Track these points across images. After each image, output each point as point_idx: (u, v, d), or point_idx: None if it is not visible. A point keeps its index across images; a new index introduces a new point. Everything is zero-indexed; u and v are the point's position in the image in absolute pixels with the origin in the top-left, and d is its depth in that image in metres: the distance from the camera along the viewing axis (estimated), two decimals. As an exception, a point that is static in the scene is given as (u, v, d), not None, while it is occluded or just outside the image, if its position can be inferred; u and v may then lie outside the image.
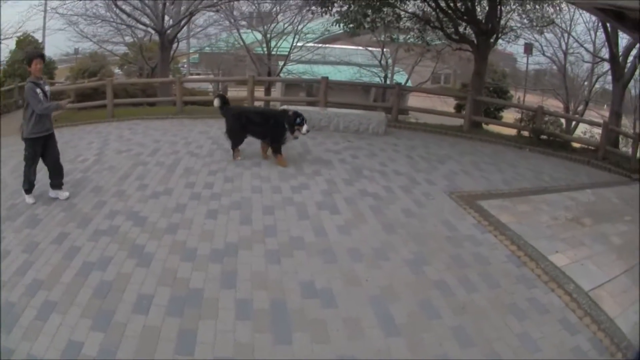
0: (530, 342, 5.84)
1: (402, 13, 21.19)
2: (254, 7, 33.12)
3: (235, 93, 36.56)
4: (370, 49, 38.18)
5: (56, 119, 18.96)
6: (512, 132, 22.13)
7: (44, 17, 32.93)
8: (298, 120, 11.47)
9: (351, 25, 19.78)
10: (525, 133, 19.70)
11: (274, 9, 33.15)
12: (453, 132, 18.68)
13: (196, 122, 17.82)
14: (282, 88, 39.61)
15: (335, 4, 19.55)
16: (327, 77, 20.20)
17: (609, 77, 26.22)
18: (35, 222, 8.52)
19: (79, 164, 12.14)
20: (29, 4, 39.09)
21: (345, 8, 19.32)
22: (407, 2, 20.54)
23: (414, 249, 7.79)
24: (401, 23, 21.96)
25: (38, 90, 8.96)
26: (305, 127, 11.52)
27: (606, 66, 29.41)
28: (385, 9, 19.94)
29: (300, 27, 35.34)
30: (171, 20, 26.39)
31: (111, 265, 7.01)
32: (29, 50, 9.03)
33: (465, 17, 20.28)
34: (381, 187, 10.62)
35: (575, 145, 20.14)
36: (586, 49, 32.84)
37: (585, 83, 36.05)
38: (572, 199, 11.27)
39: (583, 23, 31.91)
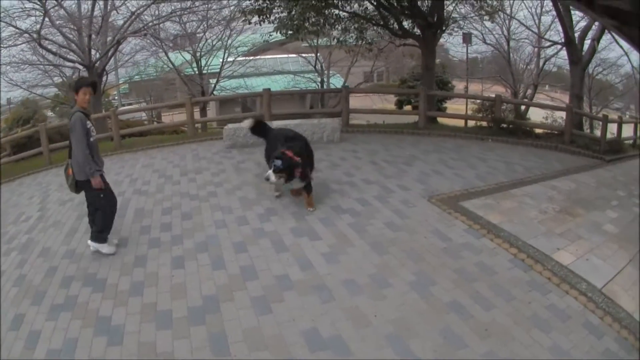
0: (563, 354, 5.60)
1: (343, 14, 20.73)
2: (180, 28, 32.45)
3: (170, 117, 36.31)
4: (303, 55, 38.37)
5: (-8, 177, 18.32)
6: (461, 123, 22.84)
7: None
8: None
9: (290, 32, 19.42)
10: (483, 123, 19.23)
11: (201, 26, 32.71)
12: (409, 130, 18.40)
13: (137, 155, 17.07)
14: (216, 106, 40.25)
15: (274, 11, 19.03)
16: (269, 89, 19.64)
17: (558, 60, 26.73)
18: None
19: (22, 224, 11.44)
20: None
21: (284, 14, 18.93)
22: (349, 2, 20.15)
23: (413, 268, 7.24)
24: (341, 24, 21.53)
25: (88, 123, 7.93)
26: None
27: (551, 50, 31.67)
28: (326, 11, 19.51)
29: (229, 41, 35.53)
30: (98, 53, 25.80)
31: (79, 349, 6.15)
32: (78, 79, 8.09)
33: (408, 12, 19.88)
34: (354, 201, 10.02)
35: (539, 131, 19.99)
36: (536, 33, 34.03)
37: (529, 67, 36.89)
38: (553, 188, 11.16)
39: (526, 9, 32.77)
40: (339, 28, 22.07)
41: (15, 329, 6.83)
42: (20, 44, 25.46)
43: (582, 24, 24.27)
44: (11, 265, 9.11)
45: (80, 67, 26.86)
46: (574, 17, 22.39)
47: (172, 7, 26.71)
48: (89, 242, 8.48)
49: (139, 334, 6.28)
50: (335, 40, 24.67)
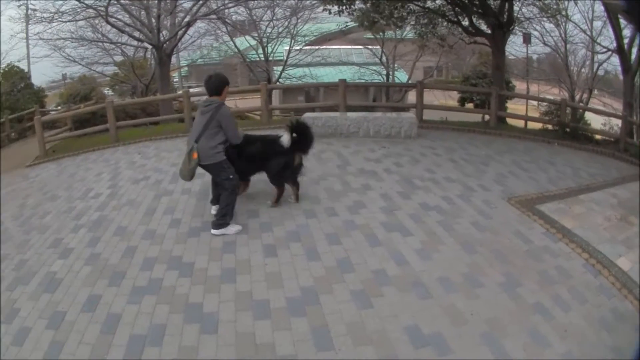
0: (625, 354, 5.64)
1: (417, 8, 20.79)
2: (247, 13, 32.38)
3: (233, 103, 36.28)
4: (369, 47, 38.15)
5: (54, 150, 18.59)
6: (521, 123, 22.37)
7: (27, 45, 32.59)
8: None
9: (366, 24, 19.48)
10: (548, 126, 19.44)
11: (267, 13, 32.54)
12: (480, 129, 18.41)
13: None
14: (280, 95, 39.62)
15: (355, 2, 19.05)
16: (344, 80, 19.65)
17: (608, 66, 26.52)
18: (54, 284, 7.57)
19: (92, 201, 11.35)
20: (8, 33, 38.86)
21: (366, 5, 18.95)
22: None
23: (501, 269, 7.30)
24: (418, 19, 21.59)
25: None
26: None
27: (603, 55, 30.95)
28: (405, 5, 19.57)
29: (296, 29, 35.10)
30: (167, 34, 25.73)
31: (168, 336, 6.02)
32: (219, 76, 8.65)
33: (481, 10, 19.90)
34: (440, 198, 9.97)
35: (597, 137, 19.89)
36: (591, 37, 33.18)
37: (583, 70, 36.41)
38: (614, 196, 11.14)
39: (579, 13, 32.33)
40: (412, 22, 22.10)
41: (89, 310, 6.67)
42: (80, 20, 25.63)
43: (627, 32, 23.38)
44: (81, 242, 8.98)
45: (149, 46, 27.05)
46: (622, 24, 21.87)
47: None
48: (213, 231, 8.56)
49: (235, 323, 6.16)
50: (415, 34, 24.69)
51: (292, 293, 6.66)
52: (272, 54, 35.81)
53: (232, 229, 8.60)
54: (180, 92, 26.60)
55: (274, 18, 32.84)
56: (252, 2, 26.92)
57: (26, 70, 34.12)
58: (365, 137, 15.39)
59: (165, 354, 5.68)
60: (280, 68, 36.93)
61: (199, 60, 42.19)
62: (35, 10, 24.88)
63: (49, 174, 15.65)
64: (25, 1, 25.63)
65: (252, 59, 36.98)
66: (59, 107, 34.17)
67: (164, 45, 25.17)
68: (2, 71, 31.83)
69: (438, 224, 8.71)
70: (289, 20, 33.38)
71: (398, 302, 6.41)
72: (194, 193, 10.82)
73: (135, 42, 27.78)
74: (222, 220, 8.60)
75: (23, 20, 27.58)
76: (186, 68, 47.47)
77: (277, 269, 7.30)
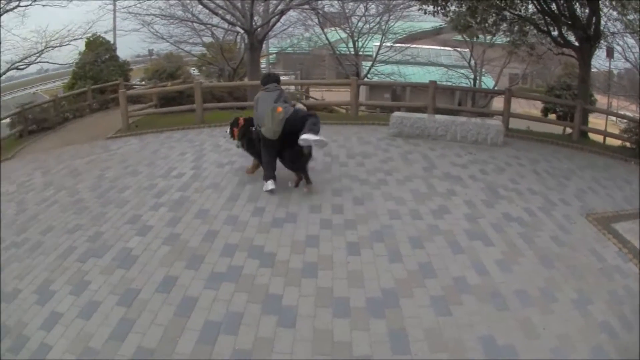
0: None
1: (510, 15, 20.69)
2: (339, 6, 32.38)
3: (320, 95, 36.30)
4: (458, 49, 37.99)
5: (136, 125, 18.98)
6: (600, 138, 22.21)
7: (114, 18, 33.15)
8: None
9: (459, 27, 19.47)
10: (627, 144, 19.20)
11: (360, 7, 32.39)
12: (563, 142, 18.25)
13: None
14: (366, 90, 38.73)
15: (449, 4, 19.01)
16: (435, 82, 19.77)
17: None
18: (130, 260, 7.81)
19: (174, 180, 11.62)
20: (97, 3, 39.51)
21: (461, 9, 18.91)
22: (526, 3, 20.08)
23: (575, 285, 7.33)
24: (511, 25, 21.48)
25: None
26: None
27: None
28: (500, 12, 19.52)
29: (387, 26, 34.81)
30: (260, 19, 25.74)
31: (244, 325, 6.13)
32: (276, 74, 10.96)
33: (570, 22, 19.74)
34: (522, 210, 9.99)
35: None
36: None
37: None
38: None
39: None
40: (504, 29, 22.01)
41: (164, 291, 6.85)
42: None
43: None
44: (160, 220, 9.18)
45: (240, 30, 27.19)
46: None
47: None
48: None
49: (313, 318, 6.23)
50: (505, 40, 24.57)
51: (372, 293, 6.72)
52: (362, 49, 35.67)
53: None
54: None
55: (366, 13, 32.83)
56: None
57: (112, 42, 34.66)
58: (452, 141, 15.46)
59: (239, 343, 5.81)
60: (368, 63, 36.67)
61: (289, 48, 42.23)
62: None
63: (131, 148, 15.95)
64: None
65: (341, 52, 36.83)
66: (143, 82, 34.49)
67: (257, 31, 25.09)
68: (86, 40, 32.28)
69: (519, 235, 8.76)
70: (381, 16, 33.21)
71: (476, 311, 6.49)
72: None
73: (226, 25, 27.85)
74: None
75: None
76: (274, 55, 47.57)
77: (359, 267, 7.38)
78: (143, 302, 6.60)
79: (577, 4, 19.73)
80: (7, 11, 25.28)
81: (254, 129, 11.01)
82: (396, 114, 16.59)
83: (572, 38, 21.09)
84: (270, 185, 10.39)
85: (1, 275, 7.90)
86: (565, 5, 19.01)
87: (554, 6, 19.29)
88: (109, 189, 11.42)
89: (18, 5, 25.47)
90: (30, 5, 26.20)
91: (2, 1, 24.72)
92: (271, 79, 11.17)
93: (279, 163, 10.65)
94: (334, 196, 10.20)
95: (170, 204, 9.99)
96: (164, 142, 16.31)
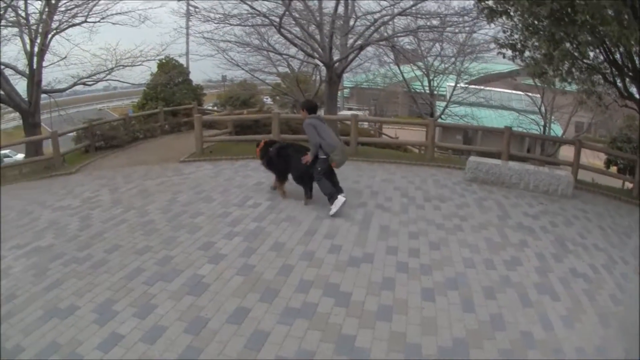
0: None
1: (584, 64, 20.57)
2: (416, 44, 32.21)
3: (393, 132, 36.21)
4: (529, 94, 37.83)
5: (211, 150, 19.18)
6: None
7: (187, 41, 33.66)
8: None
9: (536, 73, 19.42)
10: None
11: (436, 45, 32.31)
12: (624, 197, 18.17)
13: (374, 167, 17.46)
14: (439, 132, 38.46)
15: (527, 49, 18.97)
16: (510, 127, 20.03)
17: None
18: (200, 287, 7.90)
19: (249, 210, 11.77)
20: (171, 26, 40.23)
21: (535, 55, 18.86)
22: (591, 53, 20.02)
23: (626, 345, 7.29)
24: (577, 74, 21.36)
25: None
26: None
27: None
28: (574, 60, 19.45)
29: (463, 66, 34.88)
30: (338, 53, 25.83)
31: None
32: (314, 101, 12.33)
33: (631, 74, 19.56)
34: (587, 266, 9.97)
35: None
36: None
37: None
38: None
39: None
40: (576, 77, 21.89)
41: (235, 322, 6.85)
42: (248, 25, 26.08)
43: None
44: (234, 250, 9.26)
45: (318, 62, 27.44)
46: None
47: (411, 21, 26.33)
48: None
49: None
50: (579, 89, 24.45)
51: (444, 342, 6.70)
52: (436, 88, 35.85)
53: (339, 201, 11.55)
54: (347, 113, 26.70)
55: (442, 53, 32.83)
56: (422, 33, 26.32)
57: (185, 65, 35.37)
58: (524, 189, 15.72)
59: (309, 382, 5.82)
60: (441, 103, 36.89)
61: (364, 84, 42.42)
62: (196, 8, 25.97)
63: (204, 174, 16.25)
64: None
65: (416, 90, 36.94)
66: (215, 107, 35.11)
67: (335, 65, 25.06)
68: (159, 62, 33.03)
69: (583, 292, 8.74)
70: (456, 57, 33.27)
71: (539, 369, 6.46)
72: (356, 221, 11.16)
73: (302, 56, 28.36)
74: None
75: (184, 16, 28.43)
76: (348, 89, 47.65)
77: (433, 314, 7.41)
78: (212, 332, 6.63)
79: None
80: (72, 25, 25.80)
81: (270, 148, 13.04)
82: (472, 159, 16.93)
83: (634, 90, 20.88)
84: (341, 198, 11.51)
85: (56, 290, 7.99)
86: (628, 57, 18.86)
87: (618, 56, 19.11)
88: (181, 213, 11.63)
89: (85, 21, 26.37)
90: (98, 22, 27.12)
91: (65, 14, 25.26)
92: (315, 108, 12.56)
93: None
94: (410, 239, 10.27)
95: (245, 234, 10.12)
96: (238, 170, 16.61)
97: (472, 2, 20.27)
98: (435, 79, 35.48)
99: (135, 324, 6.81)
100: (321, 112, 24.28)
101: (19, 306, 7.58)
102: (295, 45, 26.01)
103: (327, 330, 6.76)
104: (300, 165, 12.10)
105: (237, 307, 7.23)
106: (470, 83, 39.08)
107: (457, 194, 14.32)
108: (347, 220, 11.12)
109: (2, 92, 24.60)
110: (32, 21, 24.50)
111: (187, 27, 30.54)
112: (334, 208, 11.39)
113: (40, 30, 24.44)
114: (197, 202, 12.50)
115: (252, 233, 10.15)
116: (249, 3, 23.40)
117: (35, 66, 25.07)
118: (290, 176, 12.87)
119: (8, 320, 7.14)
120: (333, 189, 11.68)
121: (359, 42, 25.14)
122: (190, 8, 26.59)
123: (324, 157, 11.74)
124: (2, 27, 24.47)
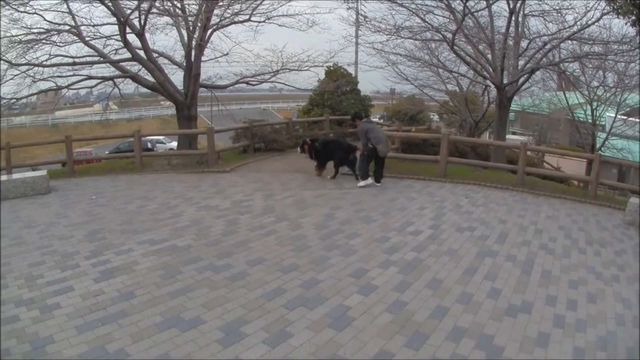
0: None
1: None
2: (579, 69, 30.91)
3: (555, 161, 35.26)
4: None
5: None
6: None
7: (356, 51, 33.68)
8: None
9: None
10: None
11: (599, 73, 30.82)
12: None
13: (539, 201, 16.60)
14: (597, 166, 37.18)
15: None
16: None
17: None
18: (344, 321, 7.17)
19: (410, 237, 11.15)
20: (341, 33, 40.62)
21: None
22: None
23: None
24: None
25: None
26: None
27: None
28: None
29: (622, 96, 33.31)
30: (509, 76, 24.91)
31: None
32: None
33: None
34: None
35: None
36: None
37: None
38: None
39: None
40: None
41: None
42: (418, 39, 26.15)
43: None
44: (388, 282, 8.61)
45: (489, 84, 26.80)
46: None
47: (576, 47, 25.33)
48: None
49: None
50: None
51: None
52: (598, 118, 34.38)
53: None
54: (512, 137, 26.16)
55: (604, 82, 31.47)
56: (586, 60, 25.45)
57: (353, 74, 35.77)
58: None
59: None
60: (601, 134, 35.51)
61: (530, 108, 42.03)
62: (366, 17, 25.66)
63: (366, 191, 16.16)
64: (354, 4, 26.39)
65: (579, 119, 35.64)
66: (382, 120, 35.13)
67: (505, 87, 24.34)
68: (327, 69, 33.51)
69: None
70: (616, 86, 31.67)
71: None
72: (519, 262, 10.24)
73: (471, 75, 27.86)
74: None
75: (353, 24, 28.34)
76: (513, 113, 47.11)
77: None
78: (348, 372, 6.02)
79: None
80: (234, 22, 26.00)
81: (316, 144, 18.74)
82: (633, 200, 15.26)
83: None
84: (370, 180, 17.14)
85: (182, 298, 7.79)
86: None
87: None
88: (336, 232, 11.31)
89: (249, 19, 26.29)
90: (262, 22, 27.03)
91: (226, 11, 25.36)
92: (362, 115, 19.23)
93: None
94: (570, 288, 9.18)
95: (401, 265, 9.48)
96: (402, 190, 16.49)
97: (634, 29, 19.07)
98: (598, 108, 33.98)
99: (263, 352, 6.23)
100: (486, 136, 23.93)
101: (135, 307, 7.42)
102: (466, 63, 25.64)
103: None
104: (340, 154, 18.09)
105: (380, 350, 6.40)
106: (627, 115, 37.14)
107: (616, 238, 13.01)
108: (509, 260, 10.24)
109: (155, 81, 25.18)
110: (187, 12, 24.73)
111: (357, 37, 30.47)
112: (363, 183, 16.92)
113: (199, 24, 24.79)
114: (355, 221, 12.19)
115: (409, 264, 9.50)
116: (421, 16, 23.40)
117: (193, 59, 25.39)
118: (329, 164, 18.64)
119: (118, 321, 6.96)
120: (367, 172, 17.16)
121: (529, 65, 24.47)
122: (360, 17, 26.28)
123: (371, 147, 16.98)
124: (153, 15, 25.16)
